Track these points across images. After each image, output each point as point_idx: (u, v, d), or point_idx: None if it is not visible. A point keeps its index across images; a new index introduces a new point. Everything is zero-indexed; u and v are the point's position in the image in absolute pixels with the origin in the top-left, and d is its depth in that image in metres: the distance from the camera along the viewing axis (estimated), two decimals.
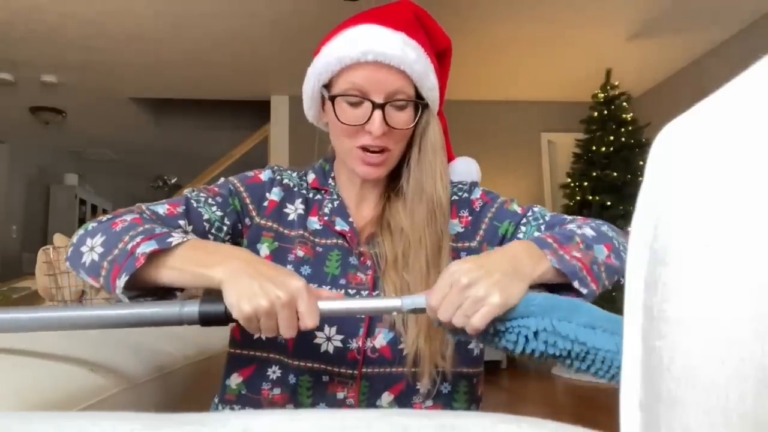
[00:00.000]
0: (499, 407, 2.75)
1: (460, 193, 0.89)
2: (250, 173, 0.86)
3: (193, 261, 0.64)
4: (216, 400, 0.83)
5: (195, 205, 0.79)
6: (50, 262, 1.60)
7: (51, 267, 1.60)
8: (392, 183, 0.86)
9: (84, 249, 0.69)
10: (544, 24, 3.83)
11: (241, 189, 0.83)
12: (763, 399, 0.20)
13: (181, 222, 0.76)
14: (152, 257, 0.64)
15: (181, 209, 0.77)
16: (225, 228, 0.80)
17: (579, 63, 4.41)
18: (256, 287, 0.59)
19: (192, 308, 0.62)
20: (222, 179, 0.86)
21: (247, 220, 0.82)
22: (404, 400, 0.77)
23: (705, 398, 0.23)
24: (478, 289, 0.59)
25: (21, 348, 0.79)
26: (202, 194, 0.81)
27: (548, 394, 3.20)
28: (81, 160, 6.79)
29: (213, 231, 0.79)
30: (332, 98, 0.78)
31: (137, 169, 7.34)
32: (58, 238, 1.65)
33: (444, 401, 0.80)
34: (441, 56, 0.88)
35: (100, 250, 0.67)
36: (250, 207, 0.83)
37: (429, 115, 0.82)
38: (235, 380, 0.80)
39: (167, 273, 0.65)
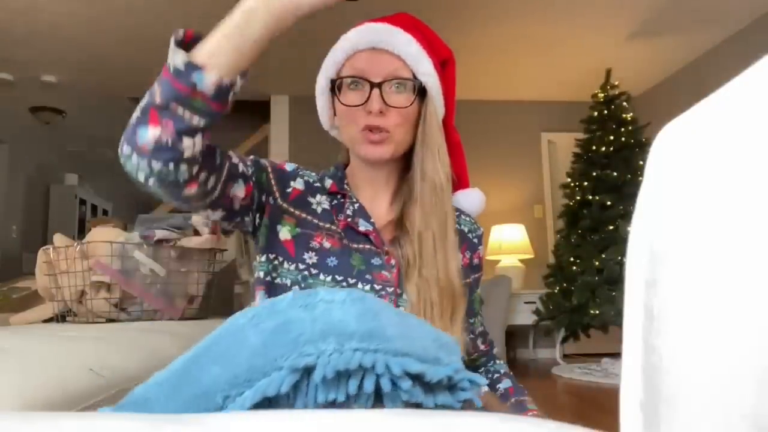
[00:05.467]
0: None
1: (472, 235, 0.94)
2: (275, 161, 0.90)
3: (224, 24, 0.66)
4: None
5: (230, 154, 0.81)
6: (50, 262, 1.60)
7: (51, 267, 1.60)
8: (405, 181, 0.89)
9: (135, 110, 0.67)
10: (544, 24, 3.83)
11: (269, 169, 0.87)
12: (764, 399, 0.20)
13: (217, 155, 0.76)
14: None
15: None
16: (252, 184, 0.82)
17: (579, 63, 4.41)
18: None
19: None
20: (251, 156, 0.88)
21: (270, 199, 0.85)
22: None
23: (705, 398, 0.23)
24: None
25: (21, 348, 0.79)
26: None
27: (548, 394, 3.20)
28: (81, 160, 6.79)
29: (241, 172, 0.80)
30: (338, 85, 0.84)
31: None
32: (58, 238, 1.65)
33: None
34: (443, 65, 0.92)
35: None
36: (275, 188, 0.86)
37: (428, 102, 0.87)
38: None
39: (207, 44, 0.64)
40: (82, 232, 6.57)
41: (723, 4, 3.59)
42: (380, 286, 0.81)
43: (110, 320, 1.53)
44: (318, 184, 0.89)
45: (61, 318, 1.61)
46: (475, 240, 0.94)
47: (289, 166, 0.90)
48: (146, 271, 1.56)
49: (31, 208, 6.46)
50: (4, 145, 5.87)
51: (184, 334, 1.20)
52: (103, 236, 1.58)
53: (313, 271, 0.80)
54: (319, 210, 0.86)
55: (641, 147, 3.89)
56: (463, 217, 0.95)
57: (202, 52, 0.64)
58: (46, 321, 1.66)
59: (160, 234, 1.62)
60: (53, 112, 5.13)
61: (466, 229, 0.93)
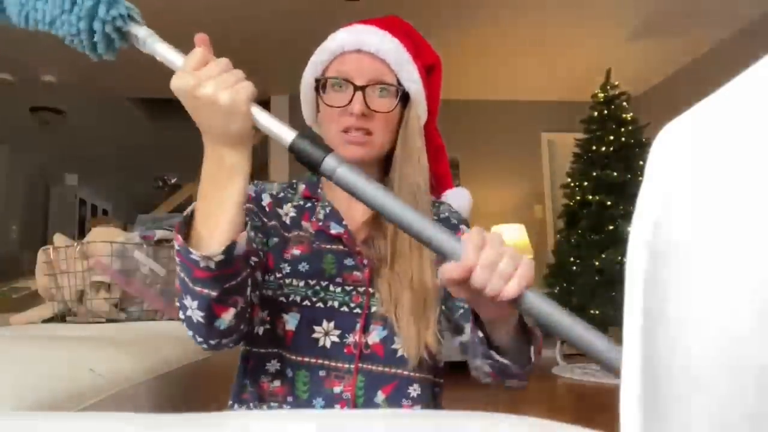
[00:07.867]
0: (499, 407, 2.75)
1: (452, 216, 0.93)
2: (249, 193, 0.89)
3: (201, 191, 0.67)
4: (230, 402, 0.85)
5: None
6: (50, 262, 1.60)
7: (51, 267, 1.60)
8: (384, 185, 0.88)
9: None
10: (545, 24, 3.84)
11: (254, 207, 0.87)
12: (763, 399, 0.20)
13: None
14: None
15: None
16: (264, 251, 0.84)
17: (579, 63, 4.41)
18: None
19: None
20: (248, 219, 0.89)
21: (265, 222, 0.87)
22: (394, 400, 0.79)
23: (705, 398, 0.23)
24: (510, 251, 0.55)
25: (21, 348, 0.79)
26: None
27: (548, 394, 3.20)
28: (81, 160, 6.79)
29: (260, 263, 0.82)
30: (322, 85, 0.86)
31: (137, 169, 7.34)
32: (58, 238, 1.65)
33: (430, 407, 0.82)
34: (429, 71, 0.93)
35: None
36: (262, 214, 0.87)
37: (411, 107, 0.88)
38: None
39: (198, 218, 0.68)
40: (82, 232, 6.58)
41: (723, 4, 3.59)
42: (351, 287, 0.82)
43: (110, 320, 1.53)
44: (282, 195, 0.90)
45: (61, 318, 1.61)
46: (455, 221, 0.92)
47: (253, 191, 0.90)
48: (146, 271, 1.56)
49: (31, 208, 6.46)
50: (4, 145, 5.87)
51: (184, 335, 1.20)
52: (103, 236, 1.58)
53: (287, 281, 0.82)
54: (288, 221, 0.87)
55: (641, 147, 3.89)
56: (443, 206, 0.94)
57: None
58: (46, 321, 1.66)
59: (160, 234, 1.62)
60: (53, 112, 5.14)
61: (446, 215, 0.92)
